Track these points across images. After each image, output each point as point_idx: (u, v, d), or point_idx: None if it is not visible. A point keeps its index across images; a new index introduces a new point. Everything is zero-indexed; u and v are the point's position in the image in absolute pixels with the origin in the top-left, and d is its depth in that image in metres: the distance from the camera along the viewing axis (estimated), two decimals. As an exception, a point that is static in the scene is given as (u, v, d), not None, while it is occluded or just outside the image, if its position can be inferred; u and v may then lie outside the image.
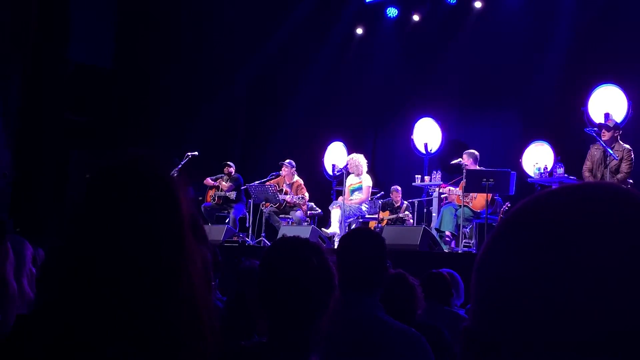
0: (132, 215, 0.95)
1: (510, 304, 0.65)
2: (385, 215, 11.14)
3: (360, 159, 10.48)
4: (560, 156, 10.52)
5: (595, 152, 8.73)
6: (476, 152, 9.72)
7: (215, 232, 10.13)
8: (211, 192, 11.79)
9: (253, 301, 2.09)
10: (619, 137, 8.65)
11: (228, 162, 11.85)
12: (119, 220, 0.95)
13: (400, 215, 11.11)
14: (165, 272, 0.93)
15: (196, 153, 11.21)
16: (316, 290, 1.99)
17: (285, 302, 1.97)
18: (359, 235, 2.99)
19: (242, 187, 11.48)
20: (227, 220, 11.37)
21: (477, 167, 9.51)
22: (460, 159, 9.66)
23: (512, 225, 0.69)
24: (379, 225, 10.70)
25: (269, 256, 2.10)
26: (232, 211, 11.39)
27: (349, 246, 2.83)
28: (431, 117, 12.90)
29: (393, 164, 13.47)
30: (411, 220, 10.98)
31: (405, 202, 11.32)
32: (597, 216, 0.64)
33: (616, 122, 8.95)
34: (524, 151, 11.44)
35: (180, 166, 11.03)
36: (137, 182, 0.95)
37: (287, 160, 11.10)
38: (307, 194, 10.83)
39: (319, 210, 11.03)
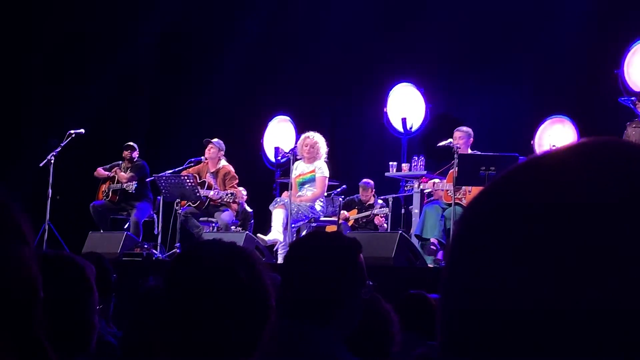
0: None
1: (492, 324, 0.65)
2: (353, 214, 11.14)
3: (318, 139, 10.41)
4: (586, 136, 10.65)
5: (632, 132, 8.87)
6: (470, 130, 9.81)
7: (110, 242, 10.05)
8: (104, 187, 11.66)
9: (156, 333, 2.04)
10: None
11: (130, 143, 11.71)
12: None
13: (375, 212, 11.14)
14: None
15: (82, 131, 11.09)
16: (244, 316, 1.97)
17: (200, 331, 1.94)
18: (316, 240, 2.94)
19: (148, 179, 11.38)
20: (126, 225, 11.29)
21: (471, 152, 9.58)
22: (450, 140, 9.72)
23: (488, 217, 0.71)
24: (345, 224, 10.71)
25: (178, 268, 2.07)
26: (133, 212, 11.32)
27: (299, 257, 2.77)
28: (411, 82, 12.99)
29: (359, 147, 13.53)
30: (385, 225, 11.00)
31: (380, 200, 11.35)
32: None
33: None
34: (537, 129, 11.64)
35: (60, 148, 10.86)
36: None
37: (215, 139, 10.98)
38: (242, 189, 10.76)
39: (250, 210, 11.00)
